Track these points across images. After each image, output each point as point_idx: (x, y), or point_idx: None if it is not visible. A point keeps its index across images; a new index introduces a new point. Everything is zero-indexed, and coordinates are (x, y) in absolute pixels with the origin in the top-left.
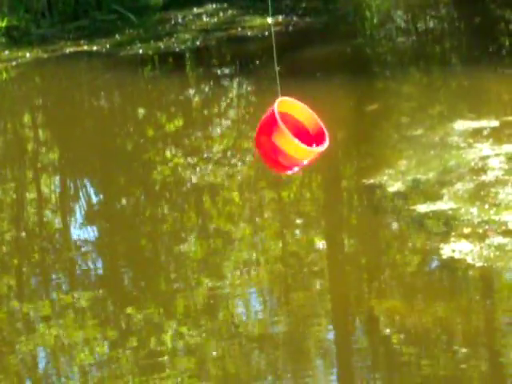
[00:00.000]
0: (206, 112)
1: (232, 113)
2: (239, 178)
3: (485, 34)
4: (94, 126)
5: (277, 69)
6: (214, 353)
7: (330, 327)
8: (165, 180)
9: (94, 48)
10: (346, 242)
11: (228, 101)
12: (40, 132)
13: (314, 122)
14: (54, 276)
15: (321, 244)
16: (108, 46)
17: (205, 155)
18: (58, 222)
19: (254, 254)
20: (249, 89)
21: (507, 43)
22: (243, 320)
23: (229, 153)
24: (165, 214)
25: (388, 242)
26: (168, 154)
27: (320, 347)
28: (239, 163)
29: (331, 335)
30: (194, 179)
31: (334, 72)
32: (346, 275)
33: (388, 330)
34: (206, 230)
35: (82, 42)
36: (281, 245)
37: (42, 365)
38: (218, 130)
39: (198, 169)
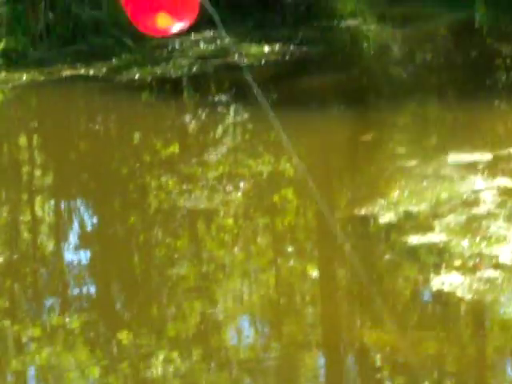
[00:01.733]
0: (201, 138)
1: (228, 139)
2: (234, 204)
3: (481, 68)
4: (90, 149)
5: None
6: (205, 380)
7: (321, 357)
8: (159, 205)
9: (91, 72)
10: (339, 272)
11: (224, 127)
12: (35, 154)
13: None
14: (46, 299)
15: (313, 273)
16: (105, 70)
17: (200, 181)
18: (51, 245)
19: (247, 281)
20: (245, 116)
21: (503, 77)
22: (235, 347)
23: (224, 180)
24: (158, 239)
25: (380, 272)
26: (163, 179)
27: (310, 377)
28: (234, 190)
29: (322, 365)
30: (189, 205)
31: (330, 102)
32: (338, 305)
33: (379, 362)
34: (199, 256)
35: (78, 65)
36: (274, 272)
37: None
38: (214, 157)
39: (192, 195)
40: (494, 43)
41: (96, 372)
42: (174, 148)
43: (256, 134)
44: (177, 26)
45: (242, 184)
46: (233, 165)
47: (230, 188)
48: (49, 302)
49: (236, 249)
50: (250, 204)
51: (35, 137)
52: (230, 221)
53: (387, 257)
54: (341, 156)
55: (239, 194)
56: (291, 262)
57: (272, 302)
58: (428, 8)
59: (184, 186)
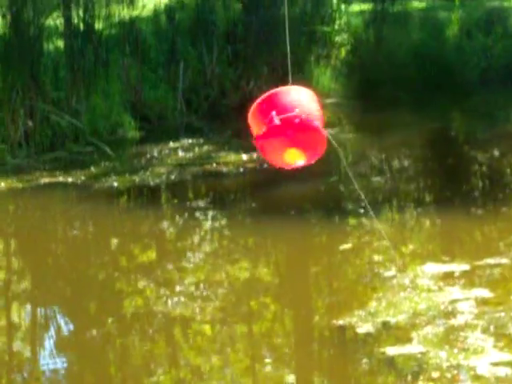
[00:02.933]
0: (179, 244)
1: (205, 246)
2: (211, 310)
3: (458, 175)
4: (67, 255)
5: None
6: None
7: None
8: (136, 311)
9: (70, 179)
10: (316, 380)
11: (202, 234)
12: (12, 260)
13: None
14: None
15: (291, 381)
16: (83, 177)
17: (177, 287)
18: (27, 351)
19: None
20: (223, 222)
21: (480, 185)
22: None
23: (201, 285)
24: (135, 345)
25: (357, 382)
26: (140, 285)
27: None
28: (211, 296)
29: None
30: (166, 311)
31: (308, 210)
32: None
33: None
34: (176, 363)
35: (57, 173)
36: (251, 380)
37: None
38: (191, 263)
39: (169, 300)
40: (470, 151)
41: None
42: (152, 253)
43: (233, 240)
44: (304, 161)
45: (219, 290)
46: (210, 271)
47: (207, 294)
48: None
49: (213, 355)
50: (227, 310)
51: (12, 243)
52: (208, 327)
53: (365, 367)
54: (319, 264)
55: (217, 299)
56: (269, 369)
57: None
58: (403, 117)
59: (161, 292)
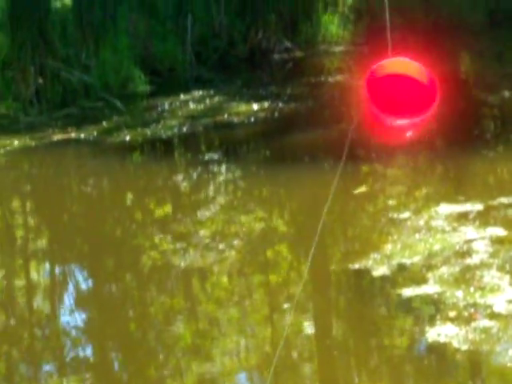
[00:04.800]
0: (194, 197)
1: (220, 198)
2: (228, 262)
3: (469, 118)
4: (83, 211)
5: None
6: None
7: None
8: (154, 265)
9: (82, 135)
10: (334, 325)
11: (216, 186)
12: (29, 218)
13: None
14: (43, 362)
15: (309, 328)
16: (95, 133)
17: (193, 240)
18: (47, 309)
19: (243, 338)
20: (236, 174)
21: (491, 127)
22: None
23: (217, 237)
24: (154, 299)
25: (375, 325)
26: (157, 239)
27: None
28: (227, 248)
29: None
30: (183, 264)
31: (321, 157)
32: (335, 359)
33: None
34: (194, 315)
35: (69, 129)
36: (269, 329)
37: None
38: (207, 215)
39: (186, 253)
40: (480, 93)
41: None
42: (167, 207)
43: (248, 191)
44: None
45: (235, 241)
46: (226, 222)
47: (223, 246)
48: (46, 365)
49: (231, 306)
50: (244, 261)
51: (28, 201)
52: (225, 278)
53: (382, 310)
54: (333, 210)
55: (233, 251)
56: (287, 318)
57: (269, 359)
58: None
59: (178, 246)
